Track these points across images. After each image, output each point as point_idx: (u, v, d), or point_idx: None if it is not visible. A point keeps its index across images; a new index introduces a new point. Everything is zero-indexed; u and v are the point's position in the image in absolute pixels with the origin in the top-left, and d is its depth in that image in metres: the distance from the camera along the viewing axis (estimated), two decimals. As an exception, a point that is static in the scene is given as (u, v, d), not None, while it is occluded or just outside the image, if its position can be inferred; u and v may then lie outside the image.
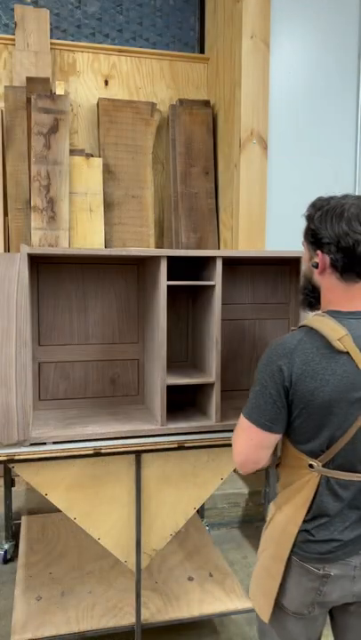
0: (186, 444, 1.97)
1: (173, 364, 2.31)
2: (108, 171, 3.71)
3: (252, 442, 1.25)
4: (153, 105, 3.81)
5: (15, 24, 3.63)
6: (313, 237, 1.26)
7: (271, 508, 1.38)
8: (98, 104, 3.76)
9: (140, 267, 2.31)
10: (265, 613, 1.33)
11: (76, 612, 2.18)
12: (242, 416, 1.28)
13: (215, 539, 3.05)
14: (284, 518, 1.29)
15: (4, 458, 1.83)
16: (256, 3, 3.26)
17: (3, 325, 1.76)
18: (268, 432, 1.23)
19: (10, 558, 2.85)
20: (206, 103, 3.89)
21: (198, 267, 2.17)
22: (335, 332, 1.18)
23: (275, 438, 1.25)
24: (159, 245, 3.97)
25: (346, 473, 1.24)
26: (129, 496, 1.99)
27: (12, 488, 2.97)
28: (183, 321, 2.38)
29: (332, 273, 1.24)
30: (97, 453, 1.89)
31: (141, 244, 3.74)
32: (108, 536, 1.99)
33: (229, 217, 3.60)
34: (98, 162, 3.64)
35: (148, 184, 3.81)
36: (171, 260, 2.01)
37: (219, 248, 3.78)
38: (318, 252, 1.25)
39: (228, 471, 2.07)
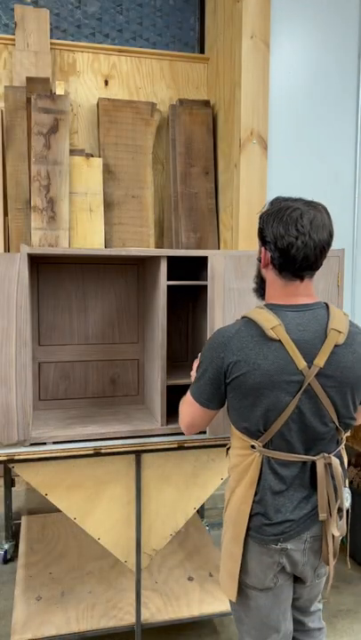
0: (186, 444, 1.97)
1: (173, 364, 2.32)
2: (108, 171, 3.71)
3: (194, 414, 1.47)
4: (153, 105, 3.81)
5: (15, 24, 3.63)
6: (259, 234, 1.41)
7: (226, 491, 1.51)
8: (98, 104, 3.76)
9: (139, 267, 2.31)
10: (232, 593, 1.46)
11: (76, 612, 2.18)
12: (188, 391, 1.49)
13: (215, 539, 3.05)
14: (237, 499, 1.42)
15: (4, 458, 1.83)
16: (256, 3, 3.26)
17: (3, 325, 1.76)
18: (205, 408, 1.45)
19: (10, 558, 2.85)
20: (206, 103, 3.89)
21: (198, 267, 2.17)
22: (269, 321, 1.32)
23: (212, 413, 1.47)
24: (159, 245, 3.97)
25: (284, 453, 1.35)
26: (129, 496, 1.99)
27: (12, 488, 2.97)
28: (183, 321, 2.38)
29: (272, 269, 1.39)
30: (97, 453, 1.89)
31: (141, 244, 3.74)
32: (108, 536, 1.99)
33: (229, 217, 3.60)
34: (98, 162, 3.64)
35: (148, 184, 3.81)
36: (171, 260, 2.01)
37: (219, 248, 3.78)
38: (262, 248, 1.40)
39: (228, 471, 2.07)
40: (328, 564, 1.44)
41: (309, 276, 1.37)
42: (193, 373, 1.65)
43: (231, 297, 1.92)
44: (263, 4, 3.27)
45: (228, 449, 1.54)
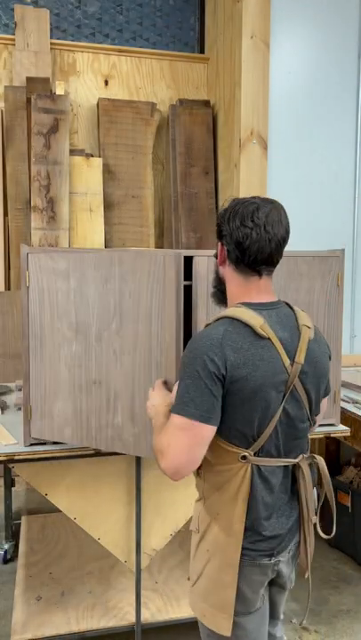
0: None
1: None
2: (108, 171, 3.71)
3: (190, 440, 1.20)
4: (153, 105, 3.81)
5: (15, 24, 3.63)
6: (217, 231, 1.34)
7: (202, 517, 1.34)
8: (98, 104, 3.76)
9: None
10: (226, 627, 1.29)
11: (76, 612, 2.18)
12: (174, 416, 1.21)
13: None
14: (227, 521, 1.28)
15: (4, 458, 1.83)
16: (256, 3, 3.26)
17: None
18: (206, 424, 1.19)
19: (10, 558, 2.85)
20: (206, 103, 3.89)
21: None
22: (255, 319, 1.24)
23: (212, 432, 1.22)
24: (159, 245, 3.97)
25: (272, 459, 1.28)
26: (129, 496, 1.99)
27: (12, 488, 2.97)
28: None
29: (229, 264, 1.32)
30: (97, 453, 1.89)
31: (141, 244, 3.74)
32: (108, 536, 1.99)
33: (229, 217, 3.60)
34: (98, 162, 3.64)
35: (148, 184, 3.81)
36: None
37: (219, 248, 3.78)
38: (219, 243, 1.34)
39: (228, 471, 2.07)
40: (307, 568, 1.38)
41: (267, 272, 1.32)
42: (154, 396, 1.44)
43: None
44: (263, 4, 3.27)
45: (198, 470, 1.35)
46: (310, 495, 1.33)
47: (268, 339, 1.25)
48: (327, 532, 1.41)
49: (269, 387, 1.24)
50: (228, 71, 3.58)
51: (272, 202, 1.30)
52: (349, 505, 2.78)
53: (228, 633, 1.30)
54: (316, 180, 3.51)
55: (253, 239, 1.25)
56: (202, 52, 4.08)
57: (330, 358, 1.41)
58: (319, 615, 2.44)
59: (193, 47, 4.10)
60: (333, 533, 1.40)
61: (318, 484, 1.40)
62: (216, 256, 1.36)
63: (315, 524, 1.36)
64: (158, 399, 1.40)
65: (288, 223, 1.31)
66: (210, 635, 1.37)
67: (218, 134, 3.83)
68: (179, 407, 1.21)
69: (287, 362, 1.26)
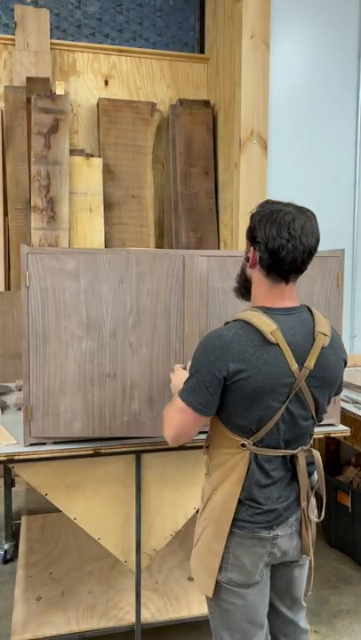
0: (186, 444, 1.97)
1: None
2: (108, 171, 3.71)
3: (185, 422, 1.40)
4: (153, 105, 3.81)
5: (15, 24, 3.63)
6: (250, 234, 1.40)
7: (206, 488, 1.50)
8: (98, 104, 3.76)
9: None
10: (209, 589, 1.46)
11: (76, 612, 2.18)
12: (177, 398, 1.40)
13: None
14: (223, 496, 1.43)
15: (4, 458, 1.83)
16: (256, 3, 3.26)
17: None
18: (199, 414, 1.38)
19: (10, 558, 2.85)
20: (206, 103, 3.89)
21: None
22: (268, 325, 1.33)
23: (204, 420, 1.40)
24: (159, 245, 3.97)
25: (271, 450, 1.40)
26: (129, 496, 1.99)
27: (12, 488, 2.97)
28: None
29: (260, 269, 1.39)
30: (97, 453, 1.89)
31: (141, 244, 3.74)
32: (108, 536, 1.99)
33: (229, 217, 3.60)
34: (98, 162, 3.64)
35: (148, 184, 3.81)
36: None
37: (219, 248, 3.78)
38: (252, 247, 1.40)
39: (228, 471, 2.07)
40: (308, 551, 1.49)
41: (294, 279, 1.41)
42: (174, 378, 1.65)
43: (215, 296, 1.95)
44: (263, 4, 3.27)
45: (206, 447, 1.53)
46: (305, 482, 1.45)
47: (277, 344, 1.33)
48: (317, 516, 1.53)
49: (270, 389, 1.33)
50: (228, 71, 3.58)
51: (306, 212, 1.37)
52: (349, 505, 2.78)
53: (210, 593, 1.46)
54: (317, 180, 3.51)
55: (289, 250, 1.33)
56: (202, 52, 4.08)
57: (345, 363, 1.49)
58: (319, 615, 2.44)
59: (193, 47, 4.10)
60: (322, 518, 1.52)
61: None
62: (248, 259, 1.42)
63: (308, 507, 1.48)
64: (178, 380, 1.59)
65: (319, 233, 1.39)
66: (210, 603, 1.52)
67: (218, 134, 3.83)
68: (182, 392, 1.40)
69: (294, 366, 1.35)
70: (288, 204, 1.38)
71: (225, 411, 1.39)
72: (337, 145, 3.53)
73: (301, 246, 1.33)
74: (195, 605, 2.23)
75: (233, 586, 1.45)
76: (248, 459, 1.39)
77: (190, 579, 2.40)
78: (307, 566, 1.59)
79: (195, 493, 2.05)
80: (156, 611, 2.20)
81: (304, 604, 1.65)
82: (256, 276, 1.42)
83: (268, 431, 1.37)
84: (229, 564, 1.44)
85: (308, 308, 1.45)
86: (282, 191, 3.45)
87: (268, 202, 1.42)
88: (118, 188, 3.75)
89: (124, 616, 2.16)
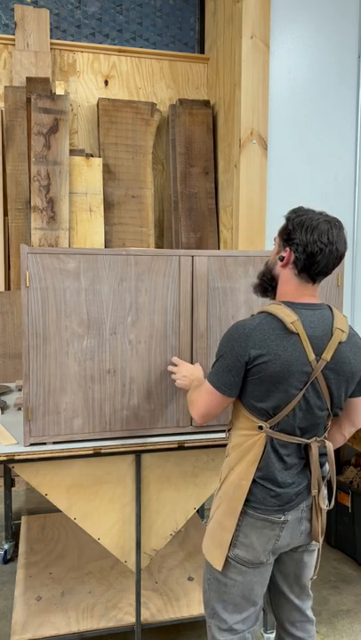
0: (186, 444, 1.97)
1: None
2: (108, 171, 3.72)
3: (211, 402, 1.55)
4: (153, 105, 3.81)
5: (15, 24, 3.63)
6: (287, 236, 1.51)
7: (223, 469, 1.60)
8: (98, 104, 3.76)
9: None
10: (219, 562, 1.56)
11: (76, 612, 2.18)
12: (206, 381, 1.57)
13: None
14: (237, 475, 1.53)
15: (4, 458, 1.83)
16: (256, 3, 3.26)
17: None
18: (223, 395, 1.52)
19: (10, 558, 2.85)
20: (206, 103, 3.89)
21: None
22: (289, 316, 1.46)
23: (229, 401, 1.54)
24: (159, 245, 3.97)
25: (287, 435, 1.50)
26: (129, 496, 1.99)
27: (12, 488, 2.97)
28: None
29: (292, 269, 1.51)
30: (97, 453, 1.89)
31: (141, 244, 3.74)
32: (108, 536, 1.99)
33: (229, 217, 3.60)
34: (98, 162, 3.64)
35: (148, 184, 3.81)
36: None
37: (219, 248, 3.78)
38: (288, 248, 1.50)
39: (228, 471, 2.07)
40: (318, 537, 1.58)
41: (320, 280, 1.53)
42: (178, 377, 1.85)
43: (215, 296, 2.01)
44: (263, 4, 3.27)
45: (228, 430, 1.64)
46: (317, 471, 1.53)
47: (297, 334, 1.45)
48: (328, 505, 1.61)
49: (288, 374, 1.45)
50: (228, 71, 3.58)
51: (337, 221, 1.50)
52: (349, 505, 2.78)
53: (219, 567, 1.56)
54: (316, 180, 3.51)
55: (325, 255, 1.46)
56: (202, 52, 4.08)
57: None
58: (319, 615, 2.44)
59: (193, 47, 4.10)
60: (331, 506, 1.61)
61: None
62: (282, 258, 1.51)
63: (318, 494, 1.56)
64: (186, 371, 1.86)
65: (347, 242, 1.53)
66: (209, 566, 1.62)
67: (218, 134, 3.83)
68: (210, 375, 1.55)
69: (312, 356, 1.46)
70: (321, 213, 1.51)
71: (246, 393, 1.51)
72: (337, 145, 3.53)
73: (336, 252, 1.47)
74: (195, 605, 2.23)
75: (238, 562, 1.55)
76: (264, 441, 1.49)
77: (190, 579, 2.40)
78: (315, 554, 1.67)
79: (195, 493, 2.05)
80: (156, 611, 2.20)
81: (311, 593, 1.73)
82: (286, 274, 1.53)
83: (285, 416, 1.48)
84: (239, 541, 1.53)
85: (328, 306, 1.56)
86: (282, 191, 3.45)
87: (301, 208, 1.53)
88: (118, 188, 3.75)
89: (123, 616, 2.15)
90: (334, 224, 1.48)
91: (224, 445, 1.99)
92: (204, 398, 1.57)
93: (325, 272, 1.50)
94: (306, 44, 3.44)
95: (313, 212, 1.51)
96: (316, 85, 3.47)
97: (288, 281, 1.53)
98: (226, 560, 1.55)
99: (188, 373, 1.84)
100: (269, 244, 3.41)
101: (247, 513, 1.52)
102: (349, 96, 3.53)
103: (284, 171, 3.45)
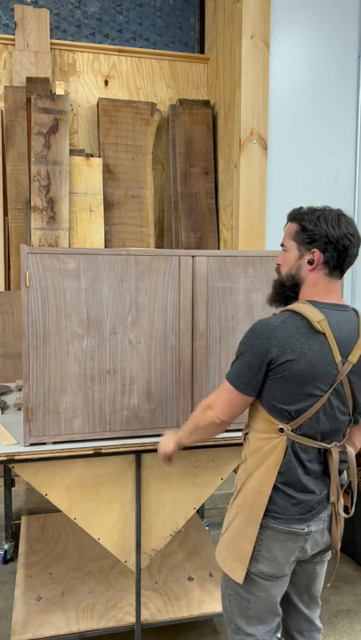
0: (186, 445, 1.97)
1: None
2: (108, 171, 3.71)
3: (229, 401, 1.47)
4: (153, 105, 3.81)
5: (15, 24, 3.63)
6: (309, 238, 1.44)
7: (240, 475, 1.52)
8: (98, 104, 3.76)
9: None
10: (239, 575, 1.47)
11: (76, 612, 2.18)
12: (225, 380, 1.49)
13: (215, 539, 3.05)
14: (257, 481, 1.45)
15: (4, 458, 1.83)
16: (256, 3, 3.26)
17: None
18: (241, 393, 1.44)
19: (10, 558, 2.85)
20: (206, 103, 3.89)
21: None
22: (315, 315, 1.39)
23: (248, 401, 1.47)
24: (159, 245, 3.97)
25: (308, 439, 1.43)
26: (129, 496, 1.99)
27: (12, 488, 2.97)
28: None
29: (321, 269, 1.45)
30: (97, 453, 1.89)
31: (141, 244, 3.74)
32: (108, 536, 1.99)
33: (229, 217, 3.60)
34: (98, 162, 3.64)
35: (148, 184, 3.81)
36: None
37: (219, 248, 3.78)
38: (315, 250, 1.44)
39: (228, 471, 2.07)
40: (337, 544, 1.52)
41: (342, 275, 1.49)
42: (161, 448, 1.75)
43: (215, 296, 2.01)
44: (263, 4, 3.27)
45: (245, 434, 1.57)
46: (336, 478, 1.47)
47: (323, 334, 1.39)
48: (347, 511, 1.57)
49: (313, 375, 1.38)
50: (228, 71, 3.58)
51: (341, 210, 1.49)
52: (349, 505, 2.78)
53: (240, 580, 1.47)
54: (317, 180, 3.51)
55: (354, 245, 1.43)
56: (202, 52, 4.07)
57: None
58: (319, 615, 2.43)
59: (193, 47, 4.10)
60: (352, 513, 1.56)
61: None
62: (311, 262, 1.44)
63: (337, 502, 1.51)
64: (162, 443, 1.75)
65: None
66: (228, 581, 1.54)
67: (218, 134, 3.83)
68: (228, 374, 1.48)
69: (338, 358, 1.40)
70: (325, 207, 1.48)
71: (267, 393, 1.44)
72: (337, 145, 3.53)
73: (359, 243, 1.45)
74: (195, 605, 2.23)
75: (261, 577, 1.48)
76: (285, 445, 1.42)
77: (190, 579, 2.40)
78: (326, 563, 1.64)
79: (195, 493, 2.05)
80: (156, 611, 2.20)
81: (320, 602, 1.69)
82: (314, 277, 1.46)
83: (308, 419, 1.41)
84: (261, 555, 1.46)
85: (354, 309, 1.51)
86: (282, 191, 3.45)
87: (302, 208, 1.49)
88: (118, 187, 3.75)
89: (123, 616, 2.15)
90: (343, 213, 1.47)
91: (224, 445, 1.99)
92: (222, 397, 1.48)
93: (350, 264, 1.47)
94: (306, 43, 3.43)
95: (321, 207, 1.47)
96: (316, 85, 3.47)
97: (316, 283, 1.46)
98: (247, 575, 1.48)
99: (163, 441, 1.75)
100: (269, 244, 3.41)
101: (268, 526, 1.45)
102: (349, 96, 3.53)
103: (284, 171, 3.45)
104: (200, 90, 4.04)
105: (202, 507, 3.06)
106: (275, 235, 3.43)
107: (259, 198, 3.37)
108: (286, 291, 1.52)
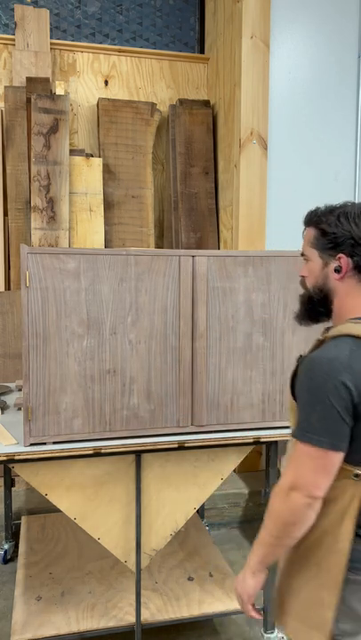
0: (186, 444, 1.97)
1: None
2: (108, 171, 3.71)
3: (320, 468, 1.16)
4: (153, 105, 3.81)
5: (15, 24, 3.63)
6: (331, 242, 1.24)
7: (304, 534, 1.26)
8: (98, 104, 3.76)
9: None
10: None
11: (76, 612, 2.18)
12: (304, 446, 1.17)
13: (215, 539, 3.05)
14: (332, 539, 1.22)
15: (4, 458, 1.83)
16: (256, 3, 3.26)
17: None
18: (336, 452, 1.16)
19: (10, 558, 2.85)
20: (206, 103, 3.89)
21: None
22: None
23: (341, 459, 1.18)
24: (159, 245, 3.97)
25: None
26: (129, 496, 1.99)
27: (12, 488, 2.97)
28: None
29: (352, 276, 1.24)
30: (97, 453, 1.89)
31: (141, 244, 3.74)
32: (108, 536, 1.99)
33: (229, 217, 3.60)
34: (98, 162, 3.64)
35: (148, 184, 3.81)
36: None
37: (219, 248, 3.78)
38: (341, 255, 1.24)
39: (228, 471, 2.07)
40: None
41: None
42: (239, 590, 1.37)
43: (215, 296, 2.01)
44: (263, 4, 3.27)
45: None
46: None
47: None
48: None
49: None
50: (228, 71, 3.58)
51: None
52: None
53: None
54: (317, 180, 3.51)
55: None
56: (202, 52, 4.07)
57: None
58: (319, 615, 2.43)
59: (193, 47, 4.10)
60: None
61: None
62: (338, 269, 1.25)
63: None
64: (238, 586, 1.37)
65: None
66: None
67: (218, 134, 3.83)
68: (309, 436, 1.16)
69: None
70: (346, 203, 1.29)
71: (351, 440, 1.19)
72: (337, 145, 3.53)
73: None
74: (195, 605, 2.23)
75: (345, 636, 1.25)
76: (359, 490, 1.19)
77: (190, 579, 2.40)
78: None
79: (195, 493, 2.05)
80: (156, 611, 2.20)
81: None
82: (345, 286, 1.25)
83: None
84: (342, 614, 1.24)
85: None
86: (282, 191, 3.45)
87: (319, 208, 1.30)
88: (118, 188, 3.75)
89: (124, 616, 2.15)
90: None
91: (224, 446, 1.99)
92: (307, 467, 1.16)
93: None
94: (306, 43, 3.44)
95: (340, 204, 1.28)
96: (316, 85, 3.47)
97: (350, 292, 1.24)
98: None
99: (237, 581, 1.39)
100: (269, 243, 3.41)
101: (349, 580, 1.21)
102: (349, 96, 3.53)
103: (284, 171, 3.45)
104: (200, 90, 4.04)
105: (202, 507, 3.06)
106: (275, 235, 3.43)
107: (259, 198, 3.37)
108: (317, 305, 1.30)
